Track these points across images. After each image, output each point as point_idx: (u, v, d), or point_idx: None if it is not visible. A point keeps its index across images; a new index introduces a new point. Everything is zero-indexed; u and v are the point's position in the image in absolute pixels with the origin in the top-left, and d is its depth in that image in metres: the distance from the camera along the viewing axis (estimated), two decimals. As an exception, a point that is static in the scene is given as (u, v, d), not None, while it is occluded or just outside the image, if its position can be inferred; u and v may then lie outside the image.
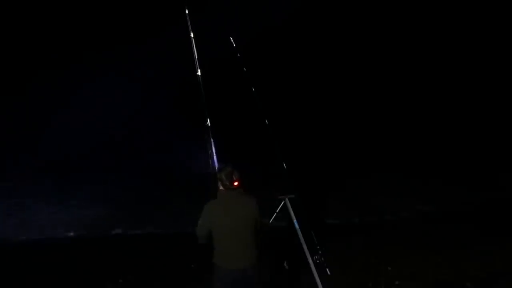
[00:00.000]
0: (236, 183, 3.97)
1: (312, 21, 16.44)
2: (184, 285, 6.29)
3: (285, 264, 5.59)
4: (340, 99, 15.86)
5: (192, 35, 5.03)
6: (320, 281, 5.01)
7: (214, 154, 4.53)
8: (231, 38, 5.64)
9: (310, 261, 5.05)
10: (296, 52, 16.35)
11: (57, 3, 15.19)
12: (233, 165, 4.04)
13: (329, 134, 14.52)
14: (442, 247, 7.30)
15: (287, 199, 5.10)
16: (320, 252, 5.16)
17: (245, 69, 5.47)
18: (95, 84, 14.60)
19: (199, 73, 4.88)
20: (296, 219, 5.10)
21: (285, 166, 5.34)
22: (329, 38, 16.36)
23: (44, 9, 15.27)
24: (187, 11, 5.13)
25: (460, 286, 5.88)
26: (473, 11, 16.03)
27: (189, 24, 5.07)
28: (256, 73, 5.72)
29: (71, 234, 8.80)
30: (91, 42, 15.15)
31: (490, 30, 16.16)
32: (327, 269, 5.14)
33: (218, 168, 4.24)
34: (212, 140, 4.61)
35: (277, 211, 5.16)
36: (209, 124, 4.69)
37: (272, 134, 5.35)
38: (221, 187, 4.03)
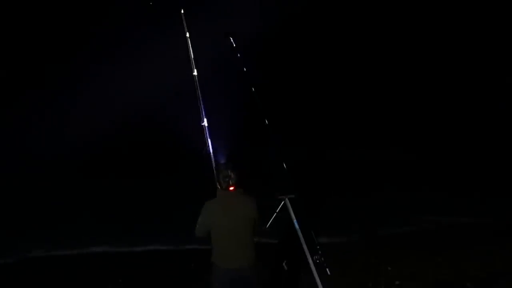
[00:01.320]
0: (231, 188, 3.97)
1: (312, 21, 16.44)
2: (184, 285, 6.28)
3: (284, 264, 5.58)
4: (346, 98, 15.85)
5: (187, 35, 5.02)
6: (320, 281, 5.00)
7: (212, 153, 4.51)
8: (231, 38, 5.63)
9: (310, 261, 5.04)
10: (297, 52, 16.35)
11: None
12: (232, 165, 4.03)
13: (329, 135, 14.53)
14: (442, 247, 7.31)
15: (287, 199, 5.09)
16: (320, 252, 5.15)
17: (245, 69, 5.46)
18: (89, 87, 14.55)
19: (195, 73, 4.88)
20: (296, 219, 5.09)
21: (285, 166, 5.33)
22: (329, 38, 16.36)
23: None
24: (182, 11, 5.12)
25: (460, 286, 5.87)
26: (474, 11, 16.02)
27: (184, 24, 5.05)
28: (256, 73, 5.71)
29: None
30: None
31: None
32: (327, 269, 5.13)
33: (216, 167, 4.21)
34: (209, 140, 4.60)
35: (277, 211, 5.15)
36: (206, 124, 4.68)
37: (272, 134, 5.34)
38: (219, 187, 4.03)
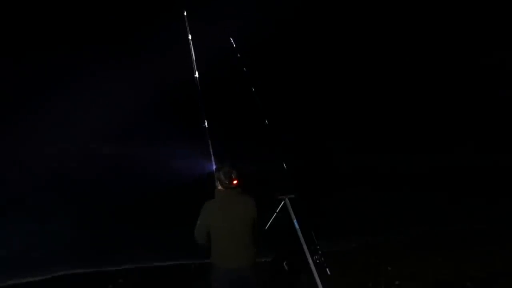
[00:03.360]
0: (235, 182, 3.94)
1: (312, 21, 16.44)
2: (184, 285, 6.29)
3: (285, 264, 5.59)
4: (350, 99, 15.80)
5: (190, 37, 5.02)
6: (320, 281, 5.01)
7: (212, 155, 4.53)
8: (231, 39, 5.65)
9: (310, 261, 5.05)
10: (297, 52, 16.34)
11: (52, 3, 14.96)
12: (231, 163, 4.03)
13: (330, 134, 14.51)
14: (442, 247, 7.31)
15: (287, 199, 5.10)
16: (320, 252, 5.16)
17: (245, 69, 5.49)
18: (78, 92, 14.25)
19: (196, 75, 4.89)
20: (296, 219, 5.10)
21: (285, 166, 5.35)
22: (329, 38, 16.35)
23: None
24: (185, 13, 5.12)
25: (460, 286, 5.88)
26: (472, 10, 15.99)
27: (187, 26, 5.06)
28: (256, 73, 5.72)
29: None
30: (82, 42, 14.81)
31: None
32: (327, 269, 5.15)
33: (216, 167, 4.21)
34: (209, 141, 4.62)
35: (277, 211, 5.16)
36: (207, 126, 4.70)
37: (272, 134, 5.36)
38: (219, 187, 3.99)
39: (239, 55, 5.54)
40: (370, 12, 16.50)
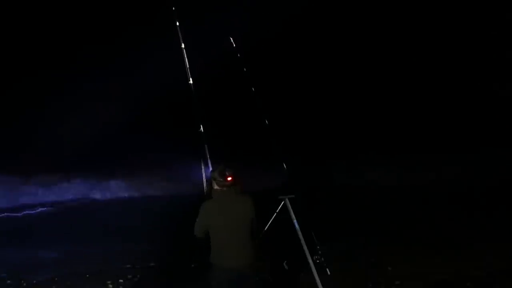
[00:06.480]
0: (229, 178, 3.95)
1: (312, 21, 16.44)
2: (184, 284, 6.29)
3: (285, 264, 5.58)
4: (344, 97, 15.82)
5: (183, 46, 5.01)
6: (320, 281, 5.01)
7: (208, 158, 4.53)
8: (231, 38, 5.65)
9: (310, 261, 5.05)
10: (297, 52, 16.34)
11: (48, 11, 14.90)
12: (225, 164, 4.03)
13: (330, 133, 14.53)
14: (442, 247, 7.31)
15: (287, 199, 5.10)
16: (320, 252, 5.16)
17: (245, 69, 5.48)
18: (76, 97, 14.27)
19: (191, 81, 4.89)
20: (296, 219, 5.09)
21: (285, 166, 5.35)
22: (328, 38, 16.35)
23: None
24: (177, 23, 5.10)
25: (460, 286, 5.88)
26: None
27: (180, 35, 5.05)
28: (256, 73, 5.71)
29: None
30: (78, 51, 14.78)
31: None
32: (327, 269, 5.15)
33: (211, 170, 4.22)
34: (206, 145, 4.62)
35: (277, 211, 5.15)
36: (202, 130, 4.70)
37: (272, 134, 5.36)
38: (216, 187, 4.00)
39: (238, 55, 5.54)
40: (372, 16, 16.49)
